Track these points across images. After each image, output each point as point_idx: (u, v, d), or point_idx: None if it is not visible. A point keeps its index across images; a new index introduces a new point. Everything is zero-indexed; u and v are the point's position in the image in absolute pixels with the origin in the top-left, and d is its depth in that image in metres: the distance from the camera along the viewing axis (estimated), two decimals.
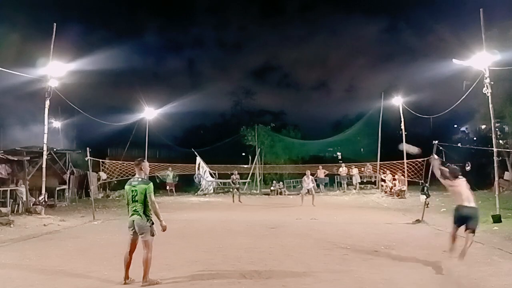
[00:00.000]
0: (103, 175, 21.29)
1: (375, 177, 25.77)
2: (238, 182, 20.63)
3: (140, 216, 5.63)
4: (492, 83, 12.00)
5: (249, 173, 27.84)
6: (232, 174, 20.70)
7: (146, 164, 5.84)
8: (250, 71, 74.76)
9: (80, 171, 21.32)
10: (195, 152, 27.20)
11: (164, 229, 5.75)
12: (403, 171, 21.47)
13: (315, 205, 17.09)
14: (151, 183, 5.75)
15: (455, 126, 32.61)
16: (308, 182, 18.06)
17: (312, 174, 23.83)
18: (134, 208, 5.66)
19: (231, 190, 21.16)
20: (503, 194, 17.09)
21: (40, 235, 10.12)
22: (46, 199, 14.83)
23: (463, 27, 34.09)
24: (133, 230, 5.70)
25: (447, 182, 6.87)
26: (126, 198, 5.80)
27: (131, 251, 5.75)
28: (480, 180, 22.04)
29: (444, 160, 18.33)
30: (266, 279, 5.93)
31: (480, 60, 12.40)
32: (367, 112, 32.21)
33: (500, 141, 20.57)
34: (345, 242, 8.60)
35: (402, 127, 22.75)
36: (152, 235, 5.72)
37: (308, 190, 17.88)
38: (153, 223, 5.71)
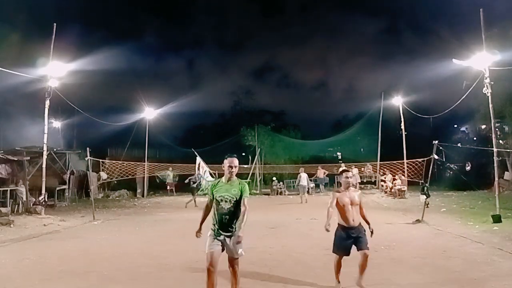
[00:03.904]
0: (104, 175, 21.30)
1: (375, 177, 25.78)
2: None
3: None
4: (492, 83, 11.99)
5: (249, 173, 27.85)
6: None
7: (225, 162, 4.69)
8: (250, 71, 74.95)
9: (80, 171, 21.34)
10: (195, 152, 27.20)
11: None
12: (403, 171, 21.48)
13: (306, 202, 18.25)
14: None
15: (455, 126, 32.60)
16: (303, 178, 19.03)
17: (312, 175, 24.12)
18: None
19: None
20: (503, 194, 17.07)
21: (40, 235, 10.12)
22: (46, 199, 14.84)
23: (463, 27, 34.09)
24: None
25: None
26: None
27: None
28: (480, 180, 22.09)
29: (444, 160, 18.43)
30: (266, 279, 5.93)
31: (480, 60, 12.39)
32: (367, 112, 32.28)
33: (500, 141, 20.55)
34: None
35: (402, 127, 22.75)
36: None
37: (303, 187, 19.01)
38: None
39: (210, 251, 4.47)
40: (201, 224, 4.74)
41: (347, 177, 5.42)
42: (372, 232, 5.40)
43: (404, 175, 21.07)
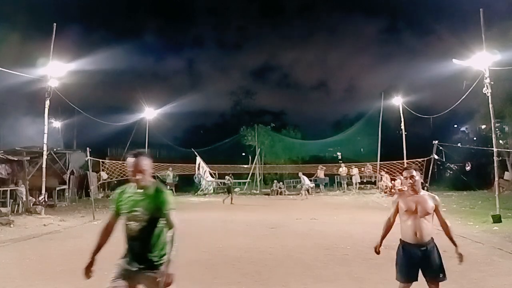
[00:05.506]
0: (104, 175, 21.31)
1: (375, 177, 25.78)
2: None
3: None
4: (492, 83, 11.99)
5: (249, 173, 27.87)
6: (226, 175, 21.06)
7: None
8: (250, 71, 75.06)
9: (80, 171, 21.35)
10: (195, 152, 27.22)
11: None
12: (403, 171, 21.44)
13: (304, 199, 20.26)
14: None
15: (455, 126, 32.65)
16: (306, 178, 21.53)
17: (311, 175, 24.26)
18: None
19: (224, 191, 21.13)
20: (503, 194, 17.06)
21: (40, 235, 10.11)
22: (46, 199, 14.84)
23: (463, 27, 34.06)
24: None
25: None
26: None
27: None
28: (480, 180, 22.10)
29: (444, 160, 18.46)
30: (266, 279, 5.92)
31: (480, 60, 12.40)
32: (367, 112, 32.35)
33: (500, 141, 20.57)
34: (345, 242, 8.58)
35: (402, 127, 22.76)
36: None
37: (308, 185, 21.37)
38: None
39: (113, 285, 3.00)
40: (93, 255, 3.26)
41: (407, 177, 3.94)
42: (461, 258, 4.02)
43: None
